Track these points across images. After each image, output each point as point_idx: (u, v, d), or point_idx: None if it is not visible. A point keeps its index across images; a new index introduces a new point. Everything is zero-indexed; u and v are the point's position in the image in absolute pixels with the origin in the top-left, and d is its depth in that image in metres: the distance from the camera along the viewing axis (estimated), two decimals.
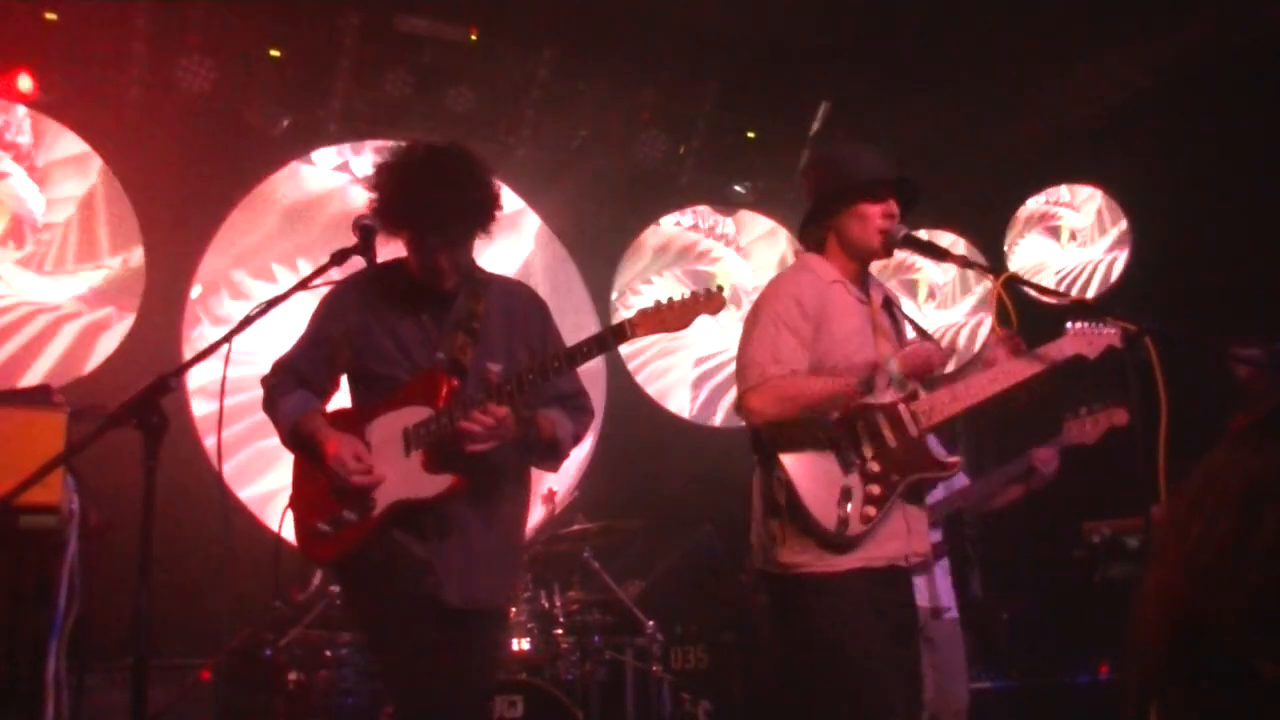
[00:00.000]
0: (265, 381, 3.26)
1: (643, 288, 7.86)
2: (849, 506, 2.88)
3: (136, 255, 6.56)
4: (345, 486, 3.02)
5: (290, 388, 3.20)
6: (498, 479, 3.15)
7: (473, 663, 3.12)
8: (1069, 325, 3.15)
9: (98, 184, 6.53)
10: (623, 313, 7.14)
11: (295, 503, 3.20)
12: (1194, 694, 1.16)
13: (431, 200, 3.00)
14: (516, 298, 3.33)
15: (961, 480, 4.38)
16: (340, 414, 3.24)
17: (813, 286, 3.08)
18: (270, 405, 3.21)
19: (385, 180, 3.06)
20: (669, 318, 2.89)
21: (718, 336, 7.94)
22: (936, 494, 4.23)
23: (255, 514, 6.27)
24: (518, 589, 3.39)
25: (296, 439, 3.15)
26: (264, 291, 6.59)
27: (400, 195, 3.01)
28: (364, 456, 3.03)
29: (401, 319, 3.18)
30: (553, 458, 3.23)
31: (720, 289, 2.93)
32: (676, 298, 2.91)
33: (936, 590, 4.25)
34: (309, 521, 3.12)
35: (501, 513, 3.18)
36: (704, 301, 2.89)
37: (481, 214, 3.08)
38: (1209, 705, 1.15)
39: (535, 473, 3.34)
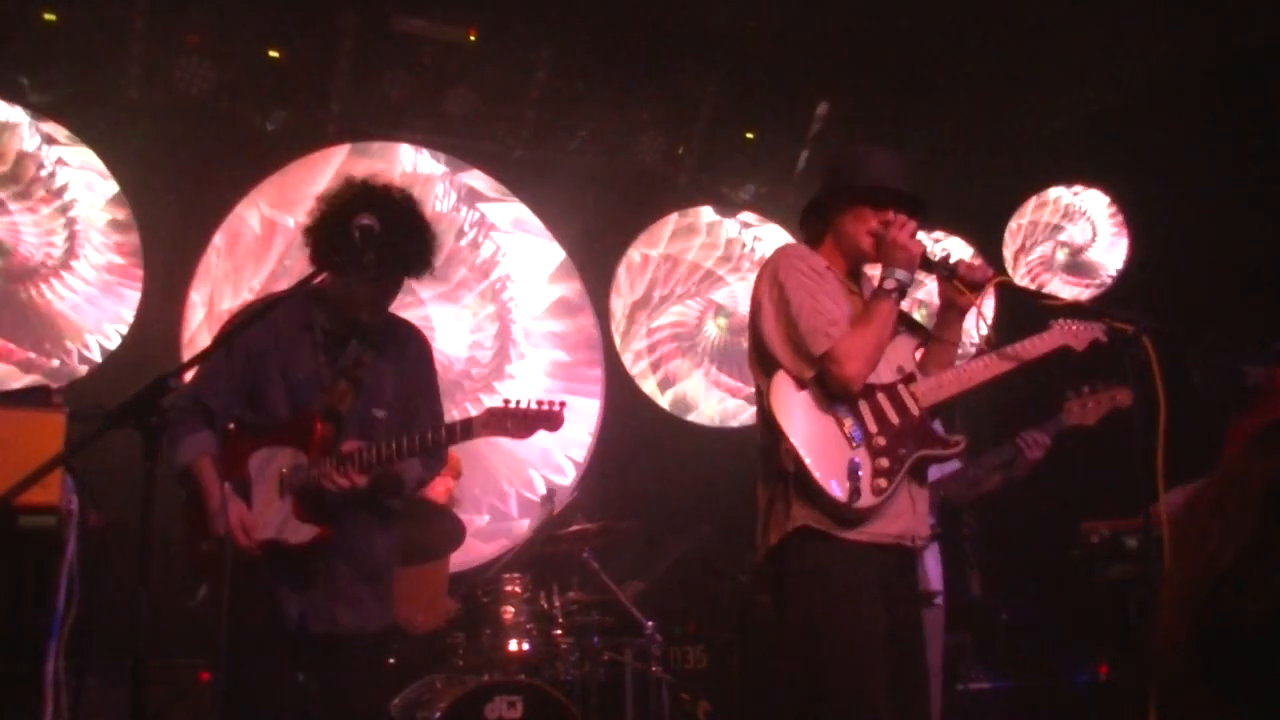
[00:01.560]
0: (167, 409, 3.25)
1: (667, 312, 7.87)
2: (860, 478, 2.89)
3: (136, 256, 6.56)
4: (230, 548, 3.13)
5: (194, 425, 3.26)
6: (363, 523, 3.31)
7: (340, 688, 3.24)
8: (1054, 322, 3.22)
9: (96, 182, 6.54)
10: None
11: (187, 515, 3.28)
12: (1215, 698, 1.17)
13: (407, 246, 3.20)
14: (407, 344, 3.46)
15: (954, 465, 4.38)
16: (233, 440, 3.32)
17: (809, 259, 3.12)
18: (170, 438, 3.21)
19: (354, 215, 3.10)
20: (510, 424, 3.14)
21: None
22: (930, 475, 4.25)
23: None
24: (393, 615, 3.55)
25: (185, 481, 3.24)
26: None
27: (390, 239, 3.11)
28: (250, 527, 3.16)
29: (298, 356, 3.29)
30: (394, 494, 3.37)
31: (564, 405, 3.19)
32: (524, 403, 3.15)
33: (926, 575, 4.26)
34: (193, 540, 3.25)
35: (364, 549, 3.32)
36: (544, 417, 3.14)
37: (433, 264, 3.31)
38: (1231, 709, 1.16)
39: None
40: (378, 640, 3.43)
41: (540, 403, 3.15)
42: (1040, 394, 4.24)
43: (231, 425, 3.34)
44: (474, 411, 3.58)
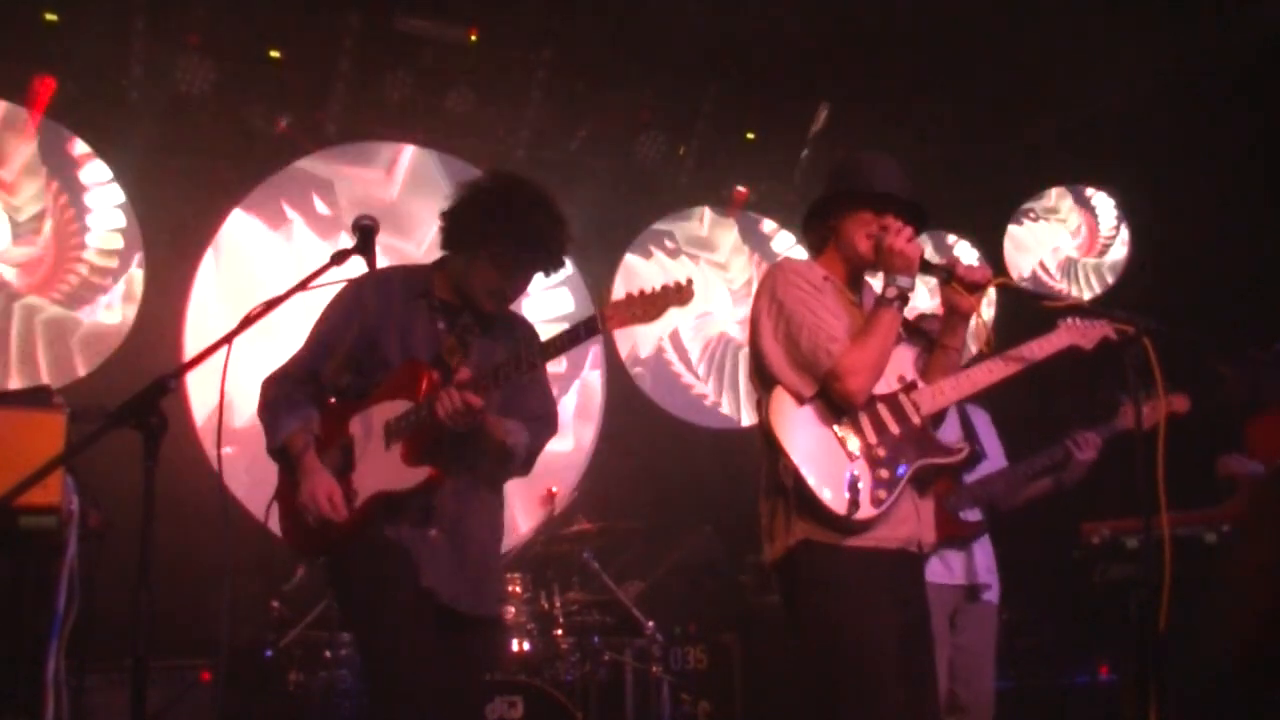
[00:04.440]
0: (270, 386, 3.25)
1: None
2: (860, 490, 2.90)
3: (136, 256, 6.56)
4: (307, 522, 3.07)
5: (296, 402, 3.20)
6: (480, 481, 3.23)
7: (461, 667, 3.16)
8: (1061, 321, 3.21)
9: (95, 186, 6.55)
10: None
11: (281, 495, 3.22)
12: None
13: (550, 238, 3.18)
14: (515, 327, 3.41)
15: (999, 464, 4.35)
16: (330, 410, 3.26)
17: (807, 273, 3.13)
18: (269, 414, 3.21)
19: (508, 205, 3.15)
20: (639, 310, 2.95)
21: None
22: (977, 473, 4.22)
23: (255, 514, 6.26)
24: (503, 596, 3.43)
25: (281, 458, 3.19)
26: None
27: (524, 225, 3.14)
28: (337, 498, 3.07)
29: (415, 322, 3.24)
30: (505, 462, 3.27)
31: (690, 281, 2.96)
32: (646, 292, 2.95)
33: (975, 567, 4.20)
34: (294, 512, 3.15)
35: (486, 518, 3.26)
36: (674, 294, 2.94)
37: (563, 262, 3.29)
38: None
39: (517, 484, 3.39)
40: (493, 625, 3.37)
41: (666, 285, 2.96)
42: (1086, 402, 4.22)
43: (333, 399, 3.28)
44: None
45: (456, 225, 3.23)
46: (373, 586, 3.06)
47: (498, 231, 3.13)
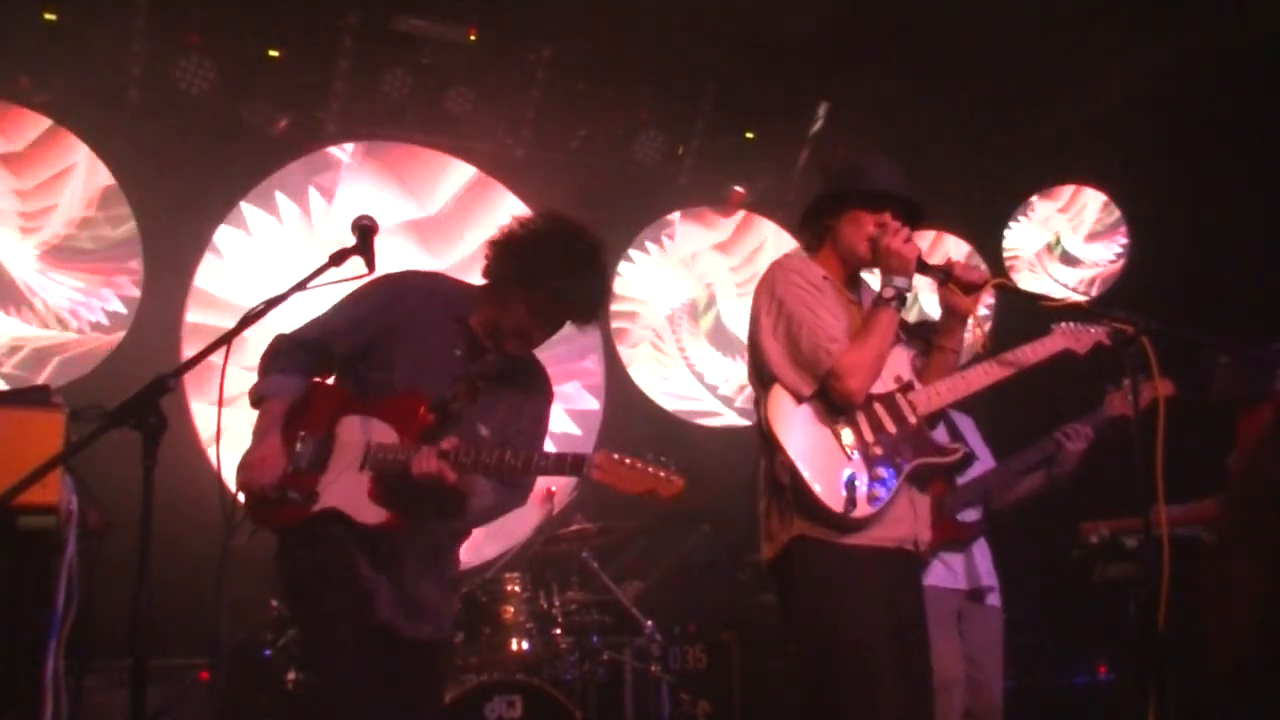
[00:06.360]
0: (281, 340, 3.23)
1: (635, 253, 7.90)
2: (856, 488, 2.90)
3: (136, 255, 6.56)
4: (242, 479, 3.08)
5: (289, 365, 3.19)
6: (434, 522, 3.20)
7: (410, 691, 3.14)
8: (1055, 325, 3.22)
9: (94, 184, 6.55)
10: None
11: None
12: None
13: (592, 296, 3.19)
14: (534, 380, 3.39)
15: (989, 464, 4.35)
16: (326, 391, 3.26)
17: (806, 272, 3.13)
18: (264, 366, 3.21)
19: (558, 253, 3.12)
20: (626, 478, 3.01)
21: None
22: (968, 475, 4.23)
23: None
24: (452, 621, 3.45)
25: (257, 408, 3.19)
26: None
27: (569, 277, 3.11)
28: (273, 468, 3.05)
29: (438, 341, 3.22)
30: (458, 516, 3.23)
31: (684, 480, 2.98)
32: (641, 463, 3.00)
33: (976, 570, 4.20)
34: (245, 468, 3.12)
35: (436, 555, 3.24)
36: (662, 483, 2.99)
37: (600, 315, 3.31)
38: None
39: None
40: (432, 649, 3.31)
41: (661, 467, 3.00)
42: (1075, 398, 4.22)
43: (330, 379, 3.27)
44: None
45: (501, 258, 3.19)
46: (318, 579, 3.05)
47: (538, 276, 3.10)
